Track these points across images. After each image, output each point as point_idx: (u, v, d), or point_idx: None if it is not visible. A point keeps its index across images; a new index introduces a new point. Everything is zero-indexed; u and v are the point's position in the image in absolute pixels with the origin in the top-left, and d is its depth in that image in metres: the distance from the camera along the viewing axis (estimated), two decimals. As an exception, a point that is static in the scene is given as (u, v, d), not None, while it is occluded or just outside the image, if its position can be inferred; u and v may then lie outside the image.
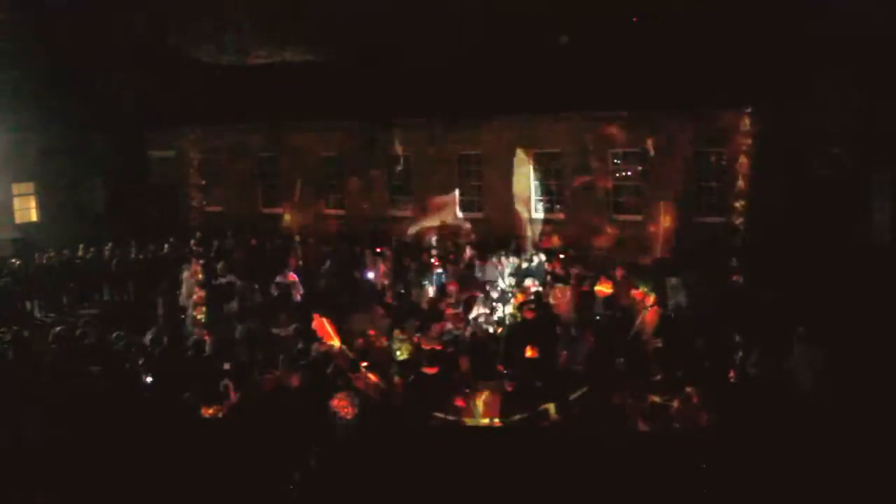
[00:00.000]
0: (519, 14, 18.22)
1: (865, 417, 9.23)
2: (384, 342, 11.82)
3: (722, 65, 16.76)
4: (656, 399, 9.49)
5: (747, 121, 17.05)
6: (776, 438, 8.66)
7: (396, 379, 10.54)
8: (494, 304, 13.63)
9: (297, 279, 15.60)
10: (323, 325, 11.63)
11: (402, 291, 15.65)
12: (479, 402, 10.17)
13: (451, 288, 14.45)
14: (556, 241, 18.27)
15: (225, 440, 9.10)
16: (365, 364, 10.62)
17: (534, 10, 17.92)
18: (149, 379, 10.33)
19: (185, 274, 15.14)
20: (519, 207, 19.96)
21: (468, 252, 17.13)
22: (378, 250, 17.63)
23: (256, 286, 15.35)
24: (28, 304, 17.06)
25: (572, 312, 13.43)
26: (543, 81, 18.74)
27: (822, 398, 9.62)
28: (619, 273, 14.40)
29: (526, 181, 20.04)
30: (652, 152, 18.44)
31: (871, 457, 8.56)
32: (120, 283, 18.22)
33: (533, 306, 12.55)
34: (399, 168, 21.65)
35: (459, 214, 20.89)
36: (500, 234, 19.05)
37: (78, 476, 9.06)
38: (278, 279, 15.43)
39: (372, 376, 10.34)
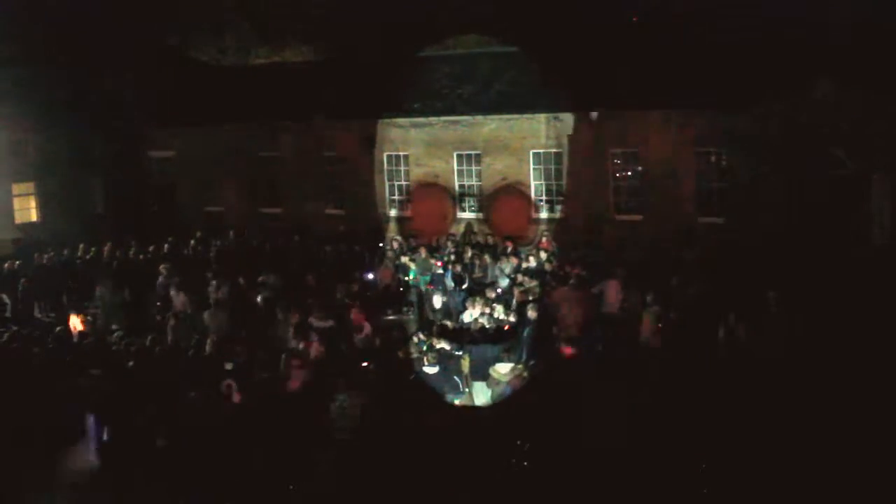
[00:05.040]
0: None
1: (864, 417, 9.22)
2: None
3: (722, 65, 16.77)
4: (656, 399, 9.50)
5: (746, 121, 17.08)
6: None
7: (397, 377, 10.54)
8: (494, 304, 13.59)
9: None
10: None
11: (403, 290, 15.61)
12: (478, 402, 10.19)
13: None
14: (556, 241, 18.25)
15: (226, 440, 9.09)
16: (365, 363, 10.63)
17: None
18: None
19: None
20: (521, 207, 19.98)
21: (468, 252, 17.10)
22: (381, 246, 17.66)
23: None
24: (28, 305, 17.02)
25: (573, 313, 13.37)
26: (543, 81, 18.76)
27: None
28: (619, 273, 14.37)
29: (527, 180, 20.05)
30: (651, 152, 18.46)
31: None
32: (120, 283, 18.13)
33: (533, 306, 12.53)
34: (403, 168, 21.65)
35: (459, 214, 20.91)
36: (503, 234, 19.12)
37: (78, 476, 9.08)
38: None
39: (373, 374, 10.34)
